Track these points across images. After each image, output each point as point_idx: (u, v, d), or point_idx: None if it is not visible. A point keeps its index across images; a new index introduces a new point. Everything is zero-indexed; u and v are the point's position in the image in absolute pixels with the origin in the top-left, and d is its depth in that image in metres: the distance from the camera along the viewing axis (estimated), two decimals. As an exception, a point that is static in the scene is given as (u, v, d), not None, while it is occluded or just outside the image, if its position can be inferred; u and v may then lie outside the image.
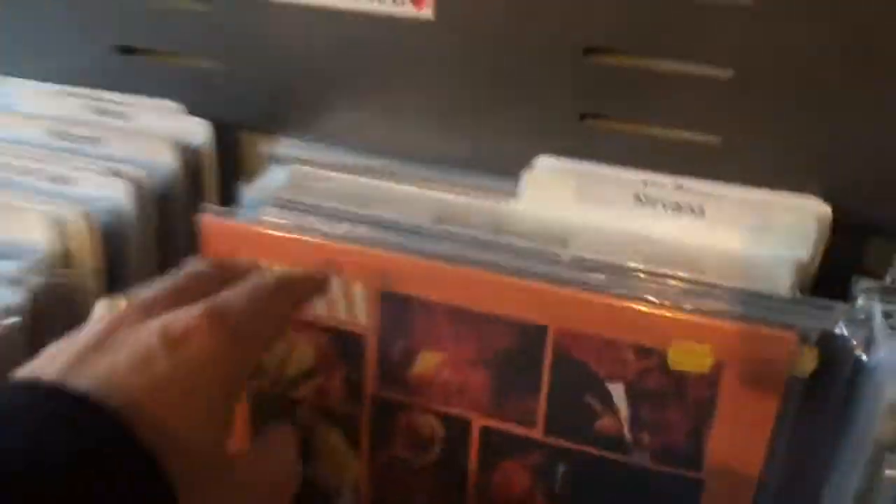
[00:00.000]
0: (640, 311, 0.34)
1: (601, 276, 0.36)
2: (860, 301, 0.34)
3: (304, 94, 0.44)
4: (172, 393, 0.25)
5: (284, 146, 0.45)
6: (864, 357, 0.32)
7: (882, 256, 0.37)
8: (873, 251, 0.38)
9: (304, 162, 0.44)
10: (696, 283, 0.36)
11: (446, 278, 0.37)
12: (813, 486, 0.35)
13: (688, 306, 0.34)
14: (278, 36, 0.43)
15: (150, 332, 0.26)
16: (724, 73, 0.36)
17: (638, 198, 0.39)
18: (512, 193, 0.41)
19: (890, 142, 0.35)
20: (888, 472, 0.28)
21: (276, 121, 0.46)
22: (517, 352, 0.37)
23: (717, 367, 0.34)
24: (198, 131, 0.46)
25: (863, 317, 0.33)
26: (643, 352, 0.35)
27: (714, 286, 0.35)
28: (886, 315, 0.33)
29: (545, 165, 0.41)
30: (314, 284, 0.34)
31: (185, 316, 0.26)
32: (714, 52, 0.36)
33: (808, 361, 0.33)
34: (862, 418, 0.31)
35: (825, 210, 0.37)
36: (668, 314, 0.34)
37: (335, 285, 0.38)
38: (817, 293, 0.37)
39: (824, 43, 0.34)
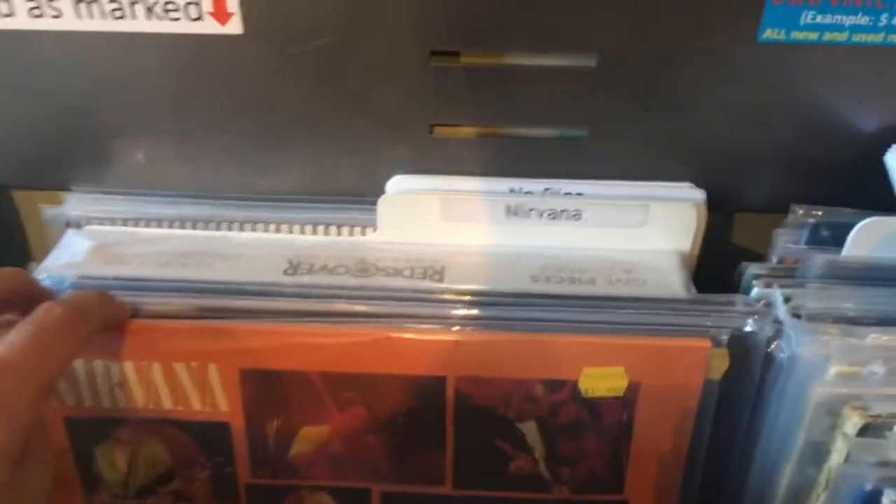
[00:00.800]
0: (544, 343, 0.31)
1: (491, 310, 0.32)
2: (756, 289, 0.33)
3: (91, 139, 0.36)
4: None
5: (77, 203, 0.37)
6: (777, 352, 0.31)
7: (756, 236, 0.36)
8: (747, 231, 0.37)
9: (105, 220, 0.36)
10: (587, 298, 0.33)
11: (316, 343, 0.31)
12: (734, 485, 0.34)
13: (593, 328, 0.31)
14: (46, 71, 0.34)
15: None
16: (589, 62, 0.33)
17: (509, 209, 0.35)
18: (370, 223, 0.36)
19: (753, 121, 0.34)
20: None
21: (59, 174, 0.37)
22: (414, 409, 0.32)
23: (633, 388, 0.32)
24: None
25: (764, 305, 0.32)
26: (553, 385, 0.32)
27: (610, 300, 0.33)
28: (786, 299, 0.32)
29: (401, 187, 0.36)
30: (112, 310, 0.30)
31: None
32: (575, 40, 0.33)
33: (719, 364, 0.32)
34: (784, 416, 0.30)
35: (699, 195, 0.35)
36: (576, 341, 0.31)
37: (181, 372, 0.32)
38: (701, 280, 0.35)
39: (681, 24, 0.32)
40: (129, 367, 0.32)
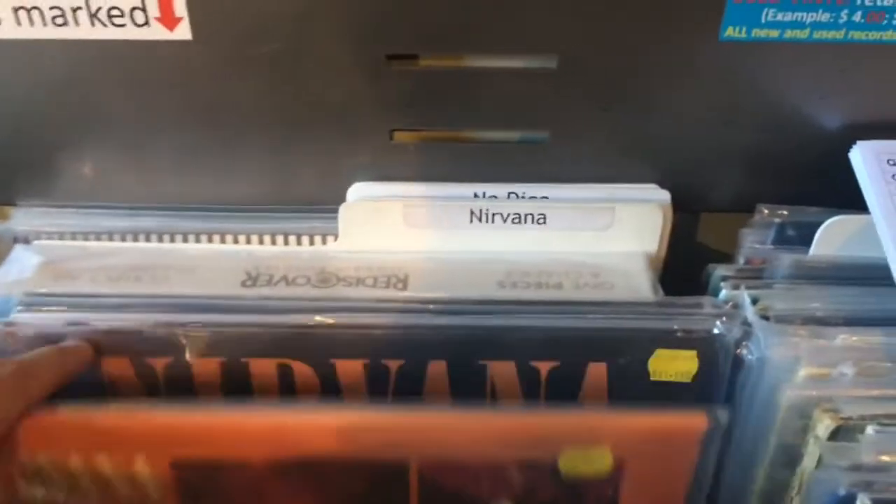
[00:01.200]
0: (520, 423, 0.29)
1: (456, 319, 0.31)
2: (724, 291, 0.32)
3: (36, 151, 0.34)
4: None
5: (24, 218, 0.35)
6: (746, 355, 0.30)
7: (722, 236, 0.36)
8: (713, 231, 0.37)
9: (54, 235, 0.35)
10: (553, 304, 0.32)
11: (257, 426, 0.29)
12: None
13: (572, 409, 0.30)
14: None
15: None
16: (549, 63, 0.32)
17: (473, 214, 0.34)
18: (331, 231, 0.35)
19: (717, 120, 0.34)
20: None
21: (4, 188, 0.35)
22: (374, 498, 0.30)
23: (618, 466, 0.29)
24: None
25: (732, 307, 0.31)
26: (529, 466, 0.29)
27: (573, 304, 0.32)
28: (753, 300, 0.31)
29: (362, 194, 0.35)
30: (71, 360, 0.29)
31: None
32: (535, 40, 0.32)
33: (688, 366, 0.31)
34: (755, 418, 0.30)
35: (665, 196, 0.35)
36: (555, 420, 0.29)
37: (106, 466, 0.29)
38: (668, 282, 0.35)
39: (642, 24, 0.31)
40: (44, 459, 0.29)
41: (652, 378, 0.31)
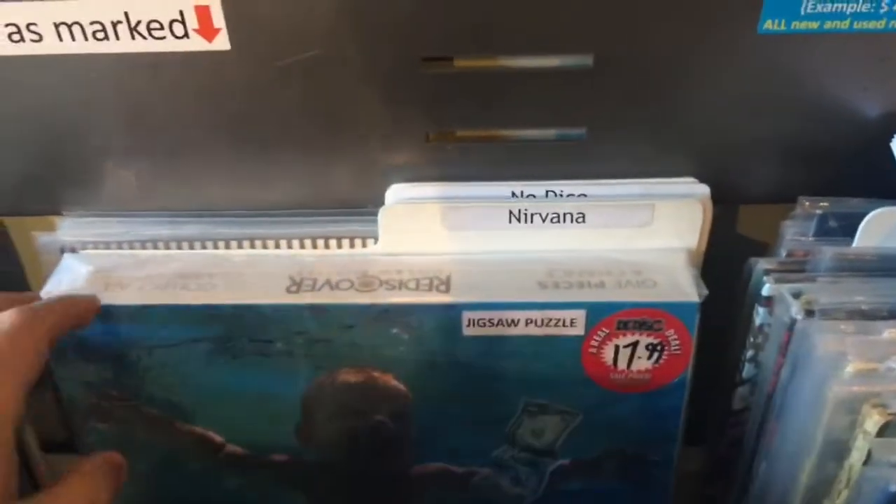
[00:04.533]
0: None
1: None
2: (767, 285, 0.32)
3: (81, 162, 0.35)
4: None
5: (71, 228, 0.36)
6: (791, 350, 0.30)
7: (762, 228, 0.36)
8: (753, 224, 0.37)
9: (100, 244, 0.36)
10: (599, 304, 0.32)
11: None
12: (755, 483, 0.34)
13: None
14: (29, 96, 0.33)
15: None
16: (585, 61, 0.32)
17: (512, 215, 0.34)
18: (371, 234, 0.35)
19: (755, 113, 0.33)
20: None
21: (50, 199, 0.36)
22: None
23: None
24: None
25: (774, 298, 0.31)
26: None
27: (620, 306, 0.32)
28: (796, 294, 0.31)
29: (400, 196, 0.35)
30: (77, 311, 0.31)
31: None
32: (570, 40, 0.32)
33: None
34: (801, 414, 0.30)
35: (704, 190, 0.35)
36: None
37: None
38: (707, 275, 0.35)
39: (678, 18, 0.31)
40: None
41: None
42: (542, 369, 0.34)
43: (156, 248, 0.36)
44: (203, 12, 0.31)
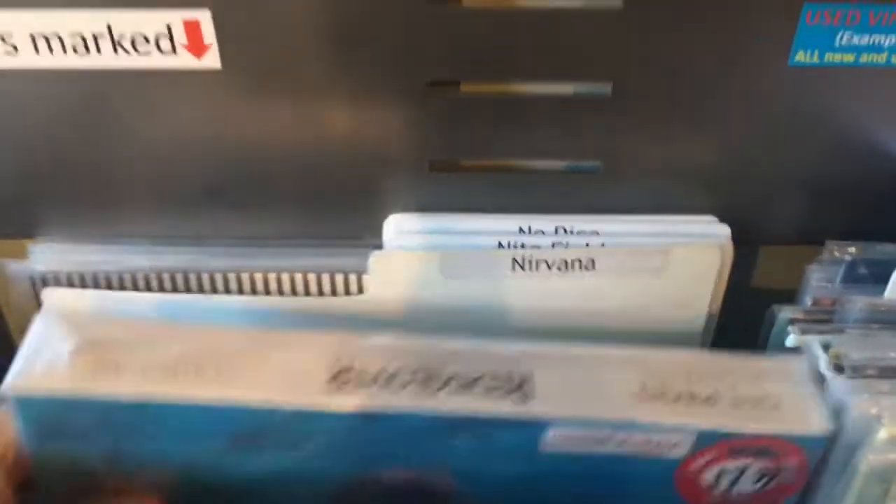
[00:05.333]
0: None
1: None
2: (792, 336, 0.30)
3: (57, 183, 0.33)
4: None
5: (44, 256, 0.33)
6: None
7: (783, 271, 0.34)
8: (774, 267, 0.35)
9: (75, 274, 0.33)
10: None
11: None
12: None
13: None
14: (2, 110, 0.31)
15: None
16: (603, 90, 0.30)
17: (516, 262, 0.32)
18: (362, 269, 0.33)
19: (781, 149, 0.31)
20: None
21: (22, 222, 0.34)
22: None
23: None
24: None
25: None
26: None
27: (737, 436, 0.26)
28: (825, 347, 0.29)
29: (399, 227, 0.33)
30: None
31: None
32: (587, 67, 0.30)
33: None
34: (829, 482, 0.28)
35: (724, 230, 0.32)
36: None
37: None
38: (725, 323, 0.33)
39: (705, 48, 0.29)
40: None
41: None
42: (628, 490, 0.28)
43: (134, 278, 0.33)
44: (192, 27, 0.29)
